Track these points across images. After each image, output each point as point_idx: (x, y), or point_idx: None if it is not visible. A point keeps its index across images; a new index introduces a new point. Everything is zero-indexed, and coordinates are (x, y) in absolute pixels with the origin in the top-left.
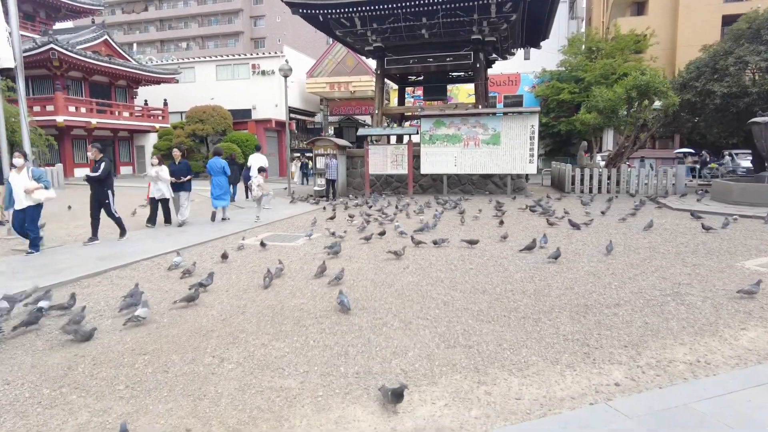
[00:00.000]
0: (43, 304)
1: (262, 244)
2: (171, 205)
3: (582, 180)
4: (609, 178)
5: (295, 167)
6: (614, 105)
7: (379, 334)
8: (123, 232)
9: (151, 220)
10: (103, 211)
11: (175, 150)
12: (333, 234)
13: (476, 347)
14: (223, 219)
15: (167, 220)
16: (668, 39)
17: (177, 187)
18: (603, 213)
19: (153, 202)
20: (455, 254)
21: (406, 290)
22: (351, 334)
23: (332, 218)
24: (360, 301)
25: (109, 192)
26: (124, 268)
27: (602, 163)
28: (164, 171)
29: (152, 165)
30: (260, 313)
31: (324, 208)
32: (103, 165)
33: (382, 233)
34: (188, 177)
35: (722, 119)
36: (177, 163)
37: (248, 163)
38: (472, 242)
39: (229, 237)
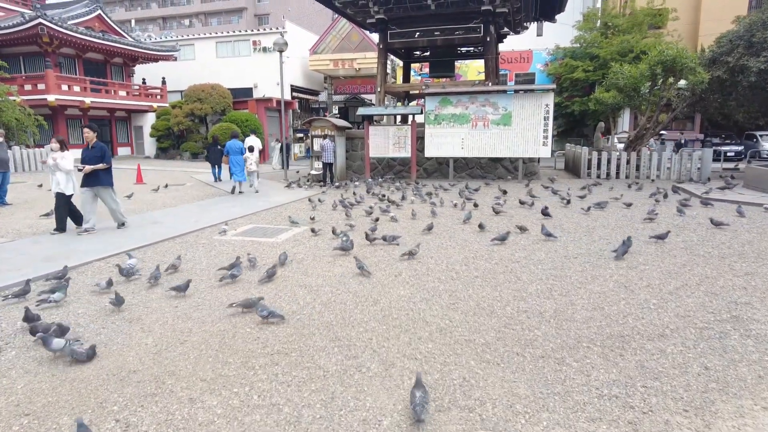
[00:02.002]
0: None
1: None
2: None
3: (599, 164)
4: (628, 162)
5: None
6: (636, 82)
7: (349, 386)
8: None
9: (59, 224)
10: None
11: (86, 130)
12: (314, 231)
13: (478, 410)
14: (240, 192)
15: (76, 221)
16: (690, 13)
17: (87, 180)
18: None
19: (59, 199)
20: (458, 256)
21: (395, 309)
22: (310, 385)
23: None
24: (333, 328)
25: None
26: (70, 272)
27: (620, 146)
28: (65, 159)
29: (52, 150)
30: (204, 343)
31: (324, 194)
32: None
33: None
34: (101, 166)
35: (755, 98)
36: (90, 147)
37: (245, 145)
38: (503, 238)
39: (206, 230)
